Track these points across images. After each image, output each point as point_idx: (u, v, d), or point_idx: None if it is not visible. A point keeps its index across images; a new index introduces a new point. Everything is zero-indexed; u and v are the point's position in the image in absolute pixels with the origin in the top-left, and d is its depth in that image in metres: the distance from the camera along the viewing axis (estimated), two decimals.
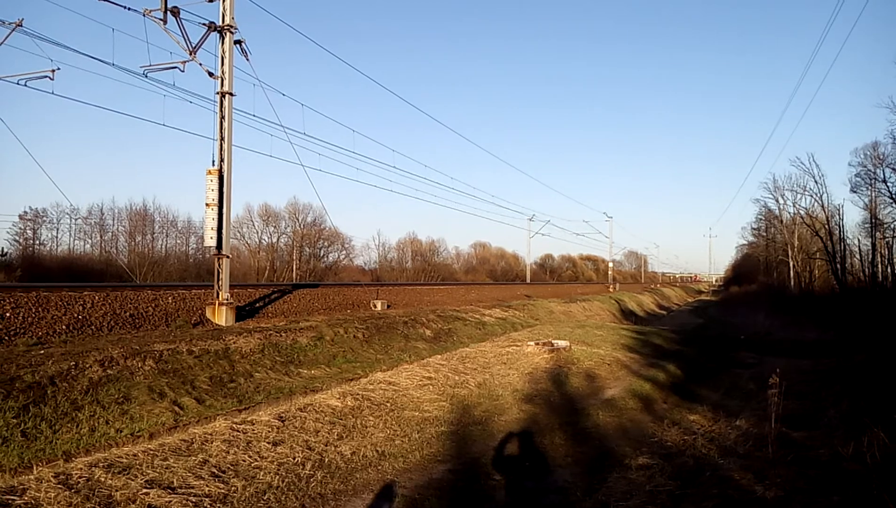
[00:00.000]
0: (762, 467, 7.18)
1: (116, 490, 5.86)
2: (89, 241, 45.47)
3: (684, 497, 6.60)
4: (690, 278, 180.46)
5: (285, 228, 53.91)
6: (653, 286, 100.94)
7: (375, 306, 23.05)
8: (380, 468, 7.65)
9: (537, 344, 16.46)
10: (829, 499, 5.69)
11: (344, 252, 59.61)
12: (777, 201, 50.54)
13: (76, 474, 6.11)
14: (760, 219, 60.20)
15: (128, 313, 14.13)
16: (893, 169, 30.70)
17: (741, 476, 7.02)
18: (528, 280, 68.70)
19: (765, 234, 60.30)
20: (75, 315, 13.01)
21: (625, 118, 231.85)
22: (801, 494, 6.01)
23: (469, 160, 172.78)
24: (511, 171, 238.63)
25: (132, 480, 6.11)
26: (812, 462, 7.29)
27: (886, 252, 33.66)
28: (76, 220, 44.40)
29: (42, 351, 10.37)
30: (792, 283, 47.11)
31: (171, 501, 5.79)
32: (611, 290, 67.57)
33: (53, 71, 16.18)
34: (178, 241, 47.83)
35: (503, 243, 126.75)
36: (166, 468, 6.54)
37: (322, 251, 56.85)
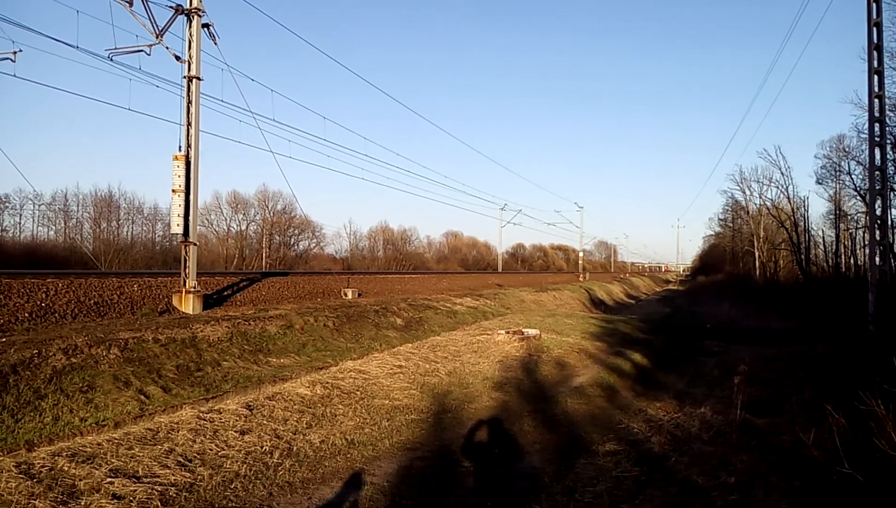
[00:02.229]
0: (726, 453, 7.32)
1: (80, 480, 5.77)
2: (53, 227, 44.39)
3: (650, 483, 6.71)
4: (658, 267, 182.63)
5: (254, 215, 53.35)
6: (622, 276, 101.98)
7: (346, 295, 22.93)
8: (349, 456, 7.65)
9: (508, 333, 16.55)
10: (790, 484, 5.82)
11: (314, 240, 59.21)
12: (744, 192, 51.32)
13: (38, 463, 6.01)
14: (727, 210, 61.05)
15: (92, 301, 13.87)
16: (858, 162, 31.33)
17: (705, 463, 7.15)
18: (500, 269, 69.00)
19: (731, 225, 61.18)
20: (38, 303, 12.74)
21: (596, 110, 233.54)
22: (764, 479, 6.15)
23: (441, 149, 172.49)
24: (483, 160, 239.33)
25: (96, 469, 6.03)
26: (774, 448, 7.45)
27: (850, 243, 34.41)
28: (40, 206, 43.26)
29: (4, 339, 10.13)
30: (757, 273, 47.94)
31: (135, 490, 5.72)
32: (581, 279, 68.10)
33: (15, 53, 15.72)
34: (145, 228, 46.93)
35: (475, 232, 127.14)
36: (131, 457, 6.46)
37: (292, 239, 56.41)
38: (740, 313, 33.90)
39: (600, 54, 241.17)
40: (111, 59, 16.05)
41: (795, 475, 6.05)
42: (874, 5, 15.18)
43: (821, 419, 6.96)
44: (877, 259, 15.27)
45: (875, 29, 15.21)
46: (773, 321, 28.16)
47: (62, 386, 8.95)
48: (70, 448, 6.54)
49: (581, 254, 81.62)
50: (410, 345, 15.20)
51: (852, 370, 10.15)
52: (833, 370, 11.67)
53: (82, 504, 5.37)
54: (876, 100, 15.33)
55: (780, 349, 18.35)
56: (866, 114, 15.75)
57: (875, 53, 15.23)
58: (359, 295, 23.43)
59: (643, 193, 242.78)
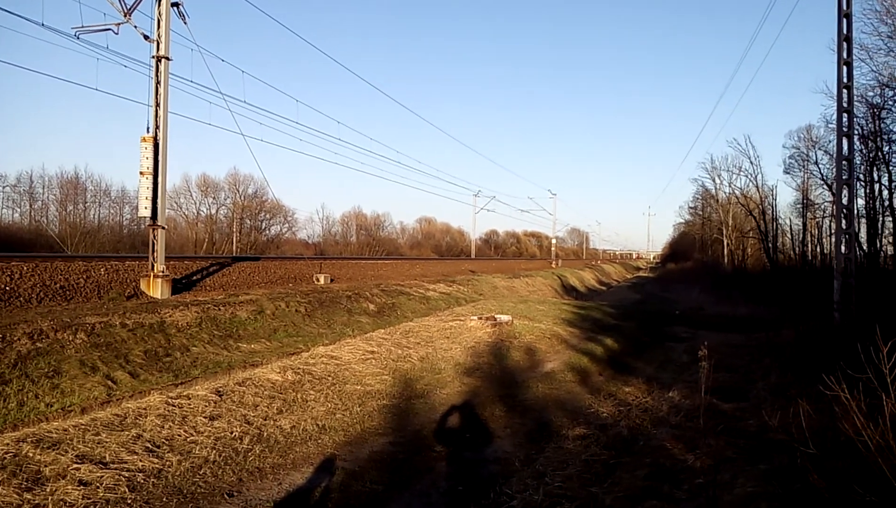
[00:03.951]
0: (693, 437, 7.45)
1: (45, 466, 5.69)
2: (18, 210, 43.43)
3: (618, 466, 6.81)
4: (630, 254, 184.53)
5: (225, 199, 52.64)
6: (594, 263, 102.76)
7: (318, 281, 22.79)
8: (320, 441, 7.64)
9: (480, 319, 16.61)
10: (755, 467, 5.95)
11: (286, 225, 58.72)
12: (714, 180, 52.10)
13: (2, 450, 5.91)
14: (697, 198, 61.97)
15: (58, 285, 13.61)
16: (825, 152, 31.87)
17: (673, 446, 7.28)
18: (473, 256, 69.15)
19: (701, 213, 62.07)
20: (2, 286, 12.45)
21: (570, 98, 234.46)
22: (730, 463, 6.27)
23: (416, 135, 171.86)
24: (457, 146, 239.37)
25: (62, 455, 5.94)
26: (741, 432, 7.61)
27: (816, 232, 35.01)
28: (4, 188, 42.22)
29: None
30: (726, 260, 48.74)
31: (102, 476, 5.65)
32: (553, 266, 68.48)
33: None
34: (112, 211, 46.12)
35: (449, 218, 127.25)
36: (98, 442, 6.38)
37: (263, 224, 55.83)
38: (709, 300, 34.42)
39: (574, 44, 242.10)
40: (78, 38, 15.67)
41: (761, 458, 6.19)
42: None
43: (786, 404, 7.09)
44: (842, 248, 15.53)
45: (845, 20, 15.40)
46: (740, 308, 28.64)
47: (27, 371, 8.78)
48: (35, 433, 6.43)
49: (554, 241, 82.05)
50: (383, 331, 15.18)
51: (817, 357, 10.36)
52: (799, 357, 11.90)
53: (48, 490, 5.29)
54: (844, 91, 15.54)
55: (748, 336, 18.68)
56: (835, 104, 15.98)
57: (845, 45, 15.42)
58: (331, 281, 23.31)
59: (616, 180, 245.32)
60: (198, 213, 51.45)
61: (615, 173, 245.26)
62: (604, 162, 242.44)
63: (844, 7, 15.38)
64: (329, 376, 10.44)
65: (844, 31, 15.42)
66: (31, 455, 5.88)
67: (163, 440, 6.81)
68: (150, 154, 15.28)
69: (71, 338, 10.09)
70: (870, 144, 22.45)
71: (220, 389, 8.81)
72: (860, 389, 4.38)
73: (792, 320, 16.93)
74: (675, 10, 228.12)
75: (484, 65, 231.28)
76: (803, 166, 36.84)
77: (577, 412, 9.62)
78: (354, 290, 20.47)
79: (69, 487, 5.38)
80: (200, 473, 6.19)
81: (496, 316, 17.22)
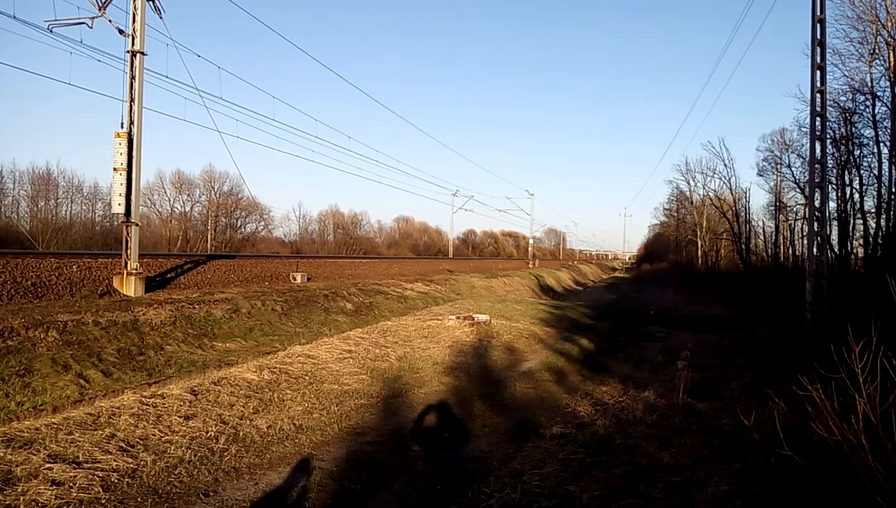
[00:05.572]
0: (668, 436, 7.52)
1: (17, 466, 5.59)
2: None
3: (595, 465, 6.85)
4: (606, 255, 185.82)
5: (200, 196, 51.82)
6: (570, 263, 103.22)
7: (295, 279, 22.63)
8: (297, 441, 7.59)
9: (458, 318, 16.62)
10: (730, 466, 6.02)
11: (262, 223, 58.04)
12: (688, 182, 52.57)
13: None
14: (672, 200, 62.39)
15: (29, 282, 13.36)
16: (798, 155, 32.30)
17: (649, 445, 7.33)
18: (451, 255, 69.09)
19: (676, 214, 62.55)
20: None
21: (548, 99, 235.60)
22: (705, 461, 6.33)
23: (394, 134, 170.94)
24: (436, 145, 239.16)
25: (34, 455, 5.84)
26: (715, 431, 7.69)
27: (788, 234, 35.61)
28: None
29: None
30: (700, 261, 49.33)
31: (75, 476, 5.56)
32: (531, 266, 68.65)
33: None
34: (84, 207, 45.23)
35: (427, 217, 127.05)
36: (71, 442, 6.28)
37: (239, 222, 55.15)
38: (683, 300, 34.80)
39: (551, 46, 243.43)
40: (51, 31, 15.38)
41: (736, 457, 6.26)
42: (818, 2, 15.59)
43: (760, 403, 7.20)
44: (815, 250, 15.76)
45: (818, 26, 15.62)
46: (714, 308, 29.01)
47: None
48: (6, 433, 6.32)
49: (531, 241, 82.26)
50: (360, 330, 15.13)
51: (791, 357, 10.52)
52: (772, 357, 12.08)
53: (19, 490, 5.20)
54: (818, 95, 15.78)
55: (721, 336, 18.92)
56: (808, 108, 16.21)
57: (818, 50, 15.65)
58: (308, 279, 23.17)
59: (593, 181, 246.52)
60: (172, 210, 50.69)
61: (592, 174, 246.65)
62: (581, 163, 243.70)
63: (818, 12, 15.62)
64: (306, 375, 10.39)
65: (818, 36, 15.65)
66: (1, 454, 5.77)
67: (137, 439, 6.72)
68: (125, 150, 15.06)
69: (42, 336, 9.91)
70: (842, 148, 22.88)
71: (196, 388, 8.72)
72: (833, 389, 4.44)
73: (765, 320, 17.19)
74: (652, 14, 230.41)
75: (463, 65, 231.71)
76: (776, 169, 37.35)
77: (554, 412, 9.67)
78: (331, 289, 20.37)
79: (41, 487, 5.29)
80: (175, 473, 6.12)
81: (474, 316, 17.26)
